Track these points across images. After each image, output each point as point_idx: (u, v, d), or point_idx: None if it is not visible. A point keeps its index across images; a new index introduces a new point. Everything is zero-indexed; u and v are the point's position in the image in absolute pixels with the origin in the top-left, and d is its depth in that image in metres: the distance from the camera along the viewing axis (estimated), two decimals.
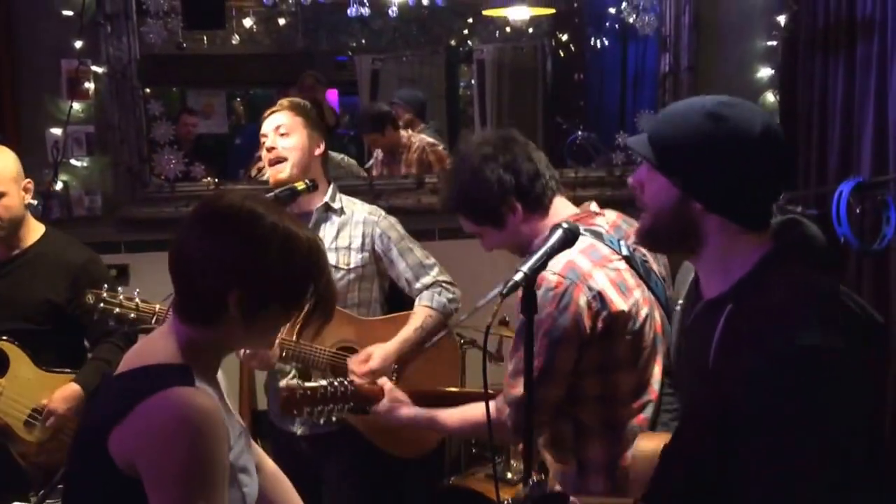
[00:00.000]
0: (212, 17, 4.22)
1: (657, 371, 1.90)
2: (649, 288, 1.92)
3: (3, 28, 3.34)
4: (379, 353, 2.46)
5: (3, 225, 2.64)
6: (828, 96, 3.40)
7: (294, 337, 2.43)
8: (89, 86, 3.40)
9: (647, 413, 1.88)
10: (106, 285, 2.49)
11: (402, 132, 4.24)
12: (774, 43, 3.73)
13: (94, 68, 3.39)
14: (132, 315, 2.40)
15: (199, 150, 4.42)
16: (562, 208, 1.99)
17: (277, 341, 2.38)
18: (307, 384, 2.10)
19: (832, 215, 2.67)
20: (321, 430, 2.55)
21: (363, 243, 2.60)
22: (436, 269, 2.65)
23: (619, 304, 1.83)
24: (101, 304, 2.39)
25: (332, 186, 2.66)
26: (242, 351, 2.39)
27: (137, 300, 2.41)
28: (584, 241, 1.86)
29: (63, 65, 3.38)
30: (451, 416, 2.04)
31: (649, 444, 1.59)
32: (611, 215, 2.03)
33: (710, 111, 1.37)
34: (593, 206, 2.03)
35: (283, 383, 2.18)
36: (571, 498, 1.39)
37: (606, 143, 4.02)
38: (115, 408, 1.34)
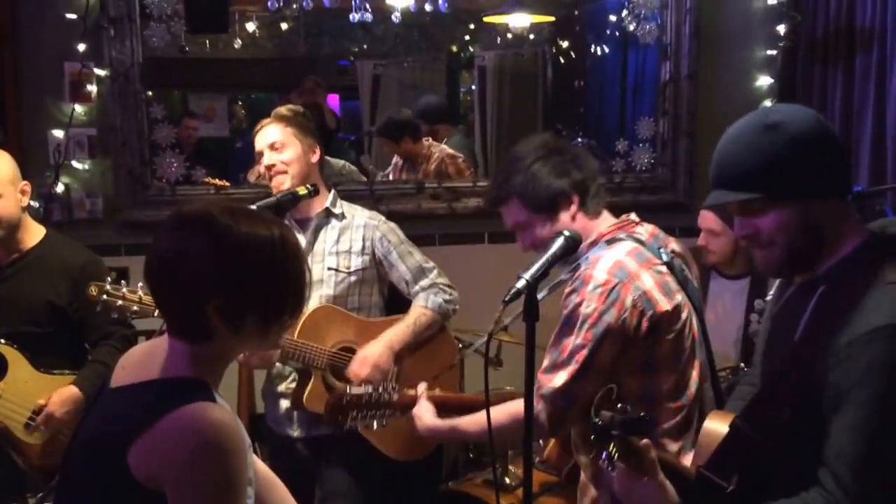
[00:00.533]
0: (215, 22, 4.23)
1: (695, 374, 1.93)
2: (687, 294, 1.95)
3: (6, 30, 3.36)
4: (370, 358, 2.49)
5: (1, 225, 2.64)
6: (826, 105, 3.42)
7: (295, 336, 2.44)
8: (92, 88, 3.42)
9: (682, 415, 1.91)
10: (109, 278, 2.48)
11: (424, 141, 4.20)
12: (774, 52, 3.75)
13: (96, 71, 3.41)
14: (135, 307, 2.40)
15: (200, 153, 4.42)
16: (606, 217, 2.02)
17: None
18: (353, 391, 2.09)
19: None
20: (318, 433, 2.56)
21: (363, 247, 2.62)
22: (434, 272, 2.67)
23: (664, 304, 1.85)
24: (105, 296, 2.40)
25: (332, 192, 2.68)
26: None
27: (140, 293, 2.41)
28: (629, 244, 1.90)
29: (66, 67, 3.40)
30: (473, 422, 2.01)
31: (718, 421, 1.61)
32: (648, 226, 2.05)
33: (764, 125, 1.44)
34: (633, 216, 2.05)
35: (343, 390, 2.15)
36: (645, 440, 1.40)
37: (606, 151, 4.03)
38: (132, 421, 1.33)
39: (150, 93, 3.62)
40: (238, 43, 4.63)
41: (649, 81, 4.01)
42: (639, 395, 1.87)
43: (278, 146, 2.54)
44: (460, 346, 3.05)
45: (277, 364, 2.59)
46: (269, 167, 2.53)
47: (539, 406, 1.85)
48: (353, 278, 2.60)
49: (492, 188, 2.05)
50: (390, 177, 4.21)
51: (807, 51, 3.55)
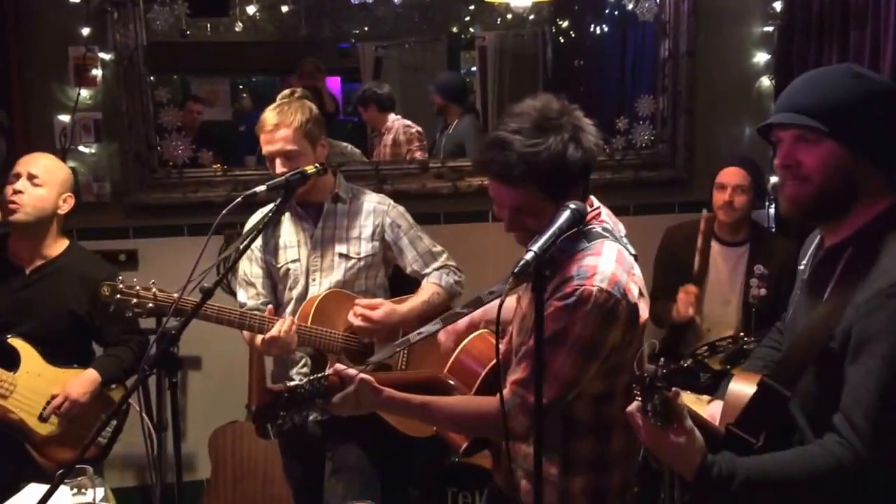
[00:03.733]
0: (216, 5, 4.26)
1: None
2: None
3: (10, 15, 3.37)
4: (386, 307, 2.50)
5: (27, 210, 2.71)
6: None
7: (308, 322, 2.47)
8: (97, 72, 3.45)
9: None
10: (121, 277, 2.44)
11: (389, 115, 4.33)
12: (771, 28, 3.78)
13: (101, 55, 3.44)
14: (150, 304, 2.34)
15: (204, 137, 4.46)
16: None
17: (294, 327, 2.40)
18: (289, 384, 1.85)
19: None
20: (331, 414, 2.57)
21: (373, 233, 2.64)
22: (444, 256, 2.71)
23: (644, 313, 1.81)
24: (118, 296, 2.35)
25: (339, 176, 2.69)
26: (260, 338, 2.42)
27: (155, 290, 2.37)
28: (613, 247, 1.79)
29: (70, 52, 3.42)
30: (450, 405, 1.88)
31: (743, 382, 1.64)
32: (605, 210, 1.92)
33: (850, 71, 1.48)
34: (594, 200, 1.91)
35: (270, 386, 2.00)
36: (674, 389, 1.41)
37: (606, 128, 4.07)
38: None
39: (151, 77, 3.65)
40: (239, 26, 4.65)
41: (648, 59, 4.03)
42: (598, 395, 1.82)
43: (291, 155, 2.46)
44: None
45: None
46: (283, 173, 2.39)
47: (520, 418, 1.76)
48: (361, 263, 2.62)
49: (500, 164, 1.78)
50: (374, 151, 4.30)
51: (802, 27, 3.57)
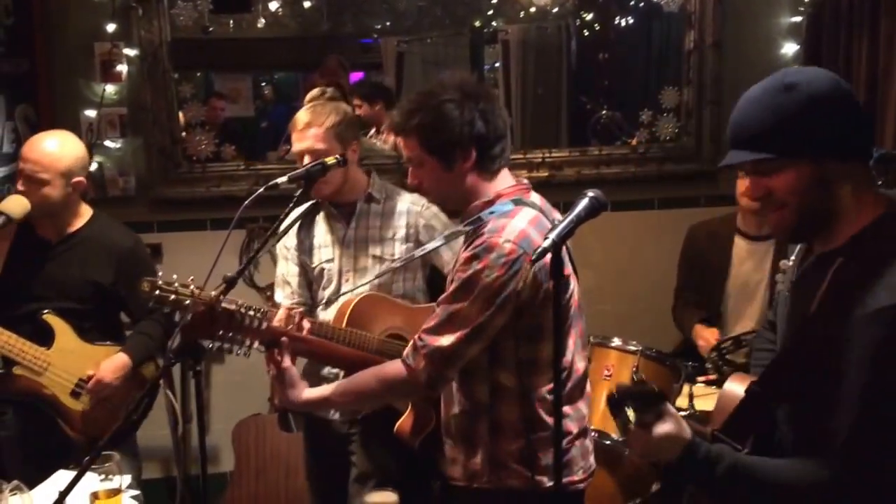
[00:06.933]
0: (239, 1, 4.28)
1: (571, 343, 1.97)
2: (572, 265, 1.99)
3: (37, 12, 3.42)
4: None
5: (33, 211, 2.70)
6: (852, 70, 3.40)
7: (344, 324, 2.39)
8: (122, 68, 3.49)
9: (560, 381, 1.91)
10: (161, 273, 2.38)
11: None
12: (799, 19, 3.73)
13: (126, 51, 3.47)
14: (187, 302, 2.26)
15: (227, 133, 4.48)
16: (504, 178, 1.99)
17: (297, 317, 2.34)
18: (225, 305, 1.94)
19: None
20: (358, 415, 2.56)
21: (407, 234, 2.57)
22: None
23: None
24: (158, 292, 2.26)
25: (373, 176, 2.64)
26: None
27: (193, 287, 2.29)
28: (530, 212, 1.90)
29: (96, 48, 3.46)
30: (345, 392, 2.00)
31: (738, 384, 1.63)
32: (536, 195, 2.02)
33: (782, 85, 1.44)
34: (525, 180, 2.03)
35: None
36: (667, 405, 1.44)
37: (630, 121, 4.04)
38: None
39: (175, 74, 3.67)
40: (261, 22, 4.66)
41: (673, 51, 4.00)
42: (521, 360, 1.90)
43: (320, 155, 2.37)
44: None
45: None
46: None
47: (420, 364, 1.87)
48: (396, 266, 2.55)
49: (398, 114, 1.97)
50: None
51: (832, 16, 3.51)
